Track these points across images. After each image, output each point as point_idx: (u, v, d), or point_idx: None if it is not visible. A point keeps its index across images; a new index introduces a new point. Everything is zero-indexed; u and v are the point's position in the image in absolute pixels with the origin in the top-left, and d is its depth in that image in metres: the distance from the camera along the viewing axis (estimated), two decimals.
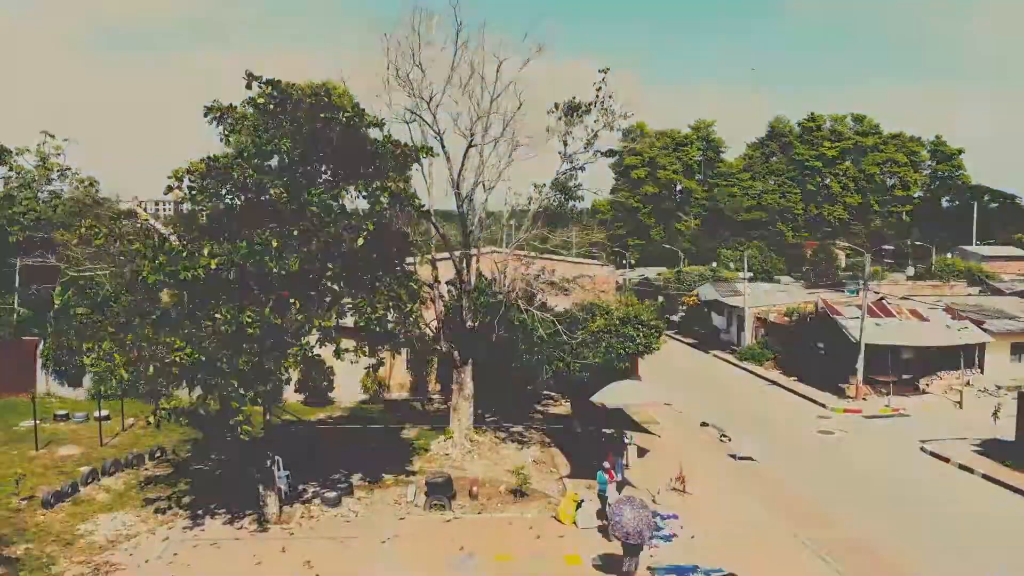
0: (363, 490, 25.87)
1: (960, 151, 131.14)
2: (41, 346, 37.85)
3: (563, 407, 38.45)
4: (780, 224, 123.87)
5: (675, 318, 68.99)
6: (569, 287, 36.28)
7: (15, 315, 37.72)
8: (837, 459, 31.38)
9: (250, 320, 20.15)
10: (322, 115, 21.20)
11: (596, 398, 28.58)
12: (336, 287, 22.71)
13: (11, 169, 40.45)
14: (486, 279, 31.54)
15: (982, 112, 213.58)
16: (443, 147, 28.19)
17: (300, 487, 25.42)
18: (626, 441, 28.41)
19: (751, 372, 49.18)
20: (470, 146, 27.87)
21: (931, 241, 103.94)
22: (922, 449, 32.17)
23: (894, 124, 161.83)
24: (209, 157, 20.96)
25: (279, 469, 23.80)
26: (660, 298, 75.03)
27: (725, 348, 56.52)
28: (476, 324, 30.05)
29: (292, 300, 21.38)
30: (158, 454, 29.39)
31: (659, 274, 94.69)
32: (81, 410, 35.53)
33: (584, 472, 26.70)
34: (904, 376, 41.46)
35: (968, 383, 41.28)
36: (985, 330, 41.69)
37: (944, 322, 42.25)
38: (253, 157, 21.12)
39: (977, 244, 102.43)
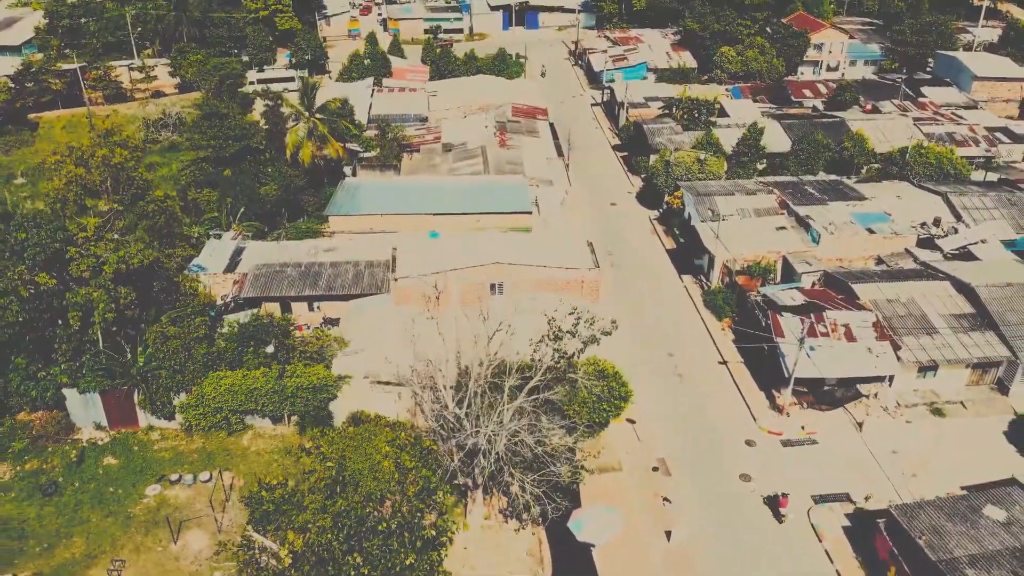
0: None
1: None
2: (136, 396, 47.65)
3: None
4: None
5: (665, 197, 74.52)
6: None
7: (106, 378, 46.84)
8: (748, 529, 43.51)
9: None
10: (377, 526, 29.78)
11: (572, 528, 40.02)
12: None
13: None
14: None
15: None
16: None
17: None
18: None
19: (708, 332, 58.86)
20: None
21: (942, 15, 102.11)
22: (808, 515, 44.31)
23: None
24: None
25: None
26: (652, 158, 79.74)
27: (696, 273, 64.89)
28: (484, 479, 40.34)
29: None
30: None
31: (658, 78, 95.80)
32: (181, 446, 47.39)
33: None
34: (825, 389, 51.80)
35: (875, 395, 51.70)
36: (899, 358, 50.84)
37: (868, 344, 51.14)
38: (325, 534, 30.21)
39: (977, 45, 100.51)
